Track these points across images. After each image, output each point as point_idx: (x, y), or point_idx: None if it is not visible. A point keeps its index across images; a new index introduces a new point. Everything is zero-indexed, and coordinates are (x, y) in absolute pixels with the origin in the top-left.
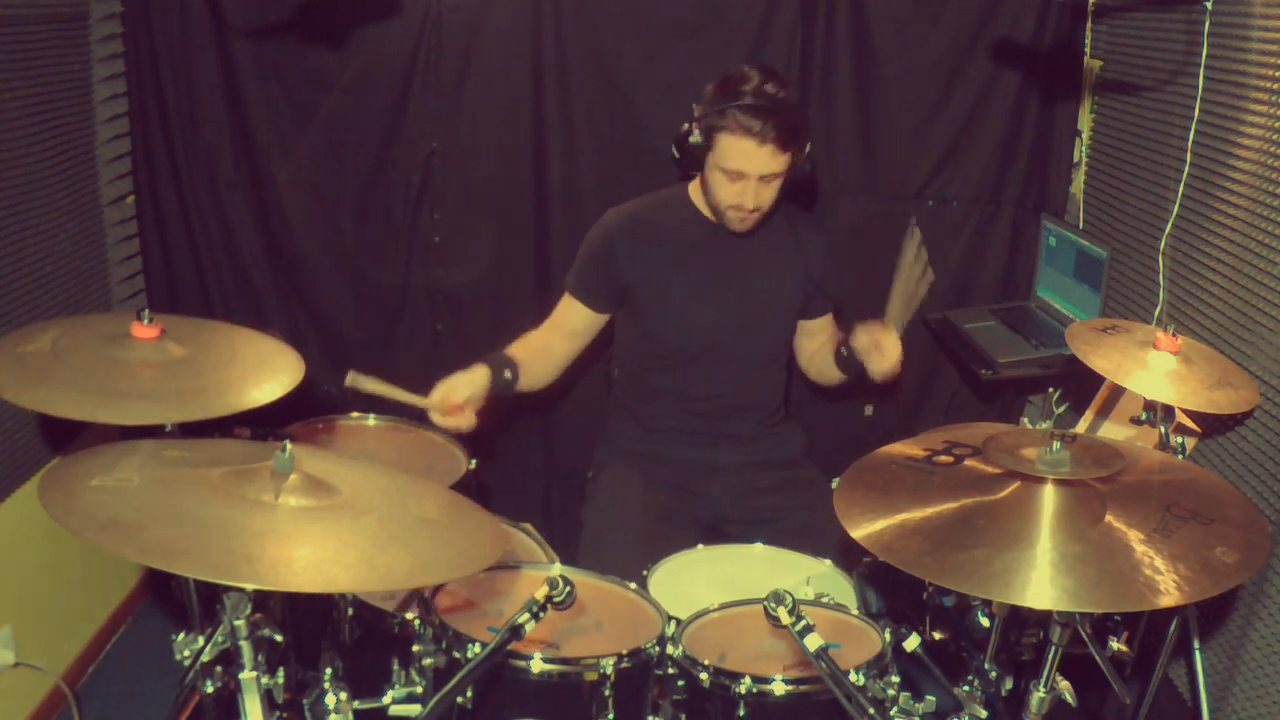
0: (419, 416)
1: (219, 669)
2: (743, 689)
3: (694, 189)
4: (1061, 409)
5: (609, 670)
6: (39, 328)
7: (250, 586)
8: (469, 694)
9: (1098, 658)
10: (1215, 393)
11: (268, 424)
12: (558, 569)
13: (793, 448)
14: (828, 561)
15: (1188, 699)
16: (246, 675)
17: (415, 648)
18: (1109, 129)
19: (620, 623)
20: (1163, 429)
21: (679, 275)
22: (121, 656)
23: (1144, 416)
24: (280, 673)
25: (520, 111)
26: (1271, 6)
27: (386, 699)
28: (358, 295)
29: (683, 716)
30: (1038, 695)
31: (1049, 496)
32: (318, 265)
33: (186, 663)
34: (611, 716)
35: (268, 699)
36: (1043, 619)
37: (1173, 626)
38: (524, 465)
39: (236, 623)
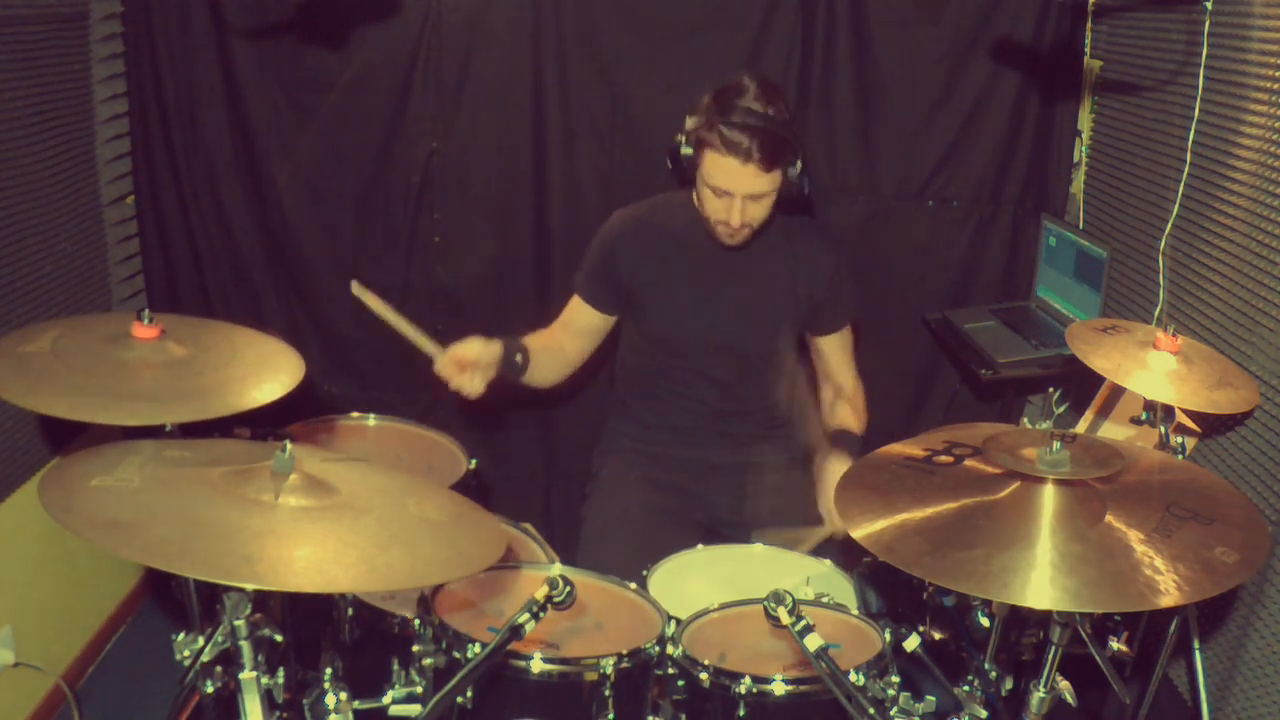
0: (425, 408)
1: (219, 669)
2: (743, 689)
3: (699, 201)
4: (1061, 409)
5: (609, 670)
6: (39, 328)
7: (250, 586)
8: (469, 694)
9: (1098, 658)
10: (1215, 393)
11: (268, 424)
12: (558, 569)
13: (793, 448)
14: (828, 561)
15: (1188, 699)
16: (246, 675)
17: (415, 648)
18: (1109, 129)
19: (620, 623)
20: (1163, 429)
21: (680, 277)
22: (121, 656)
23: (1144, 416)
24: (280, 673)
25: (520, 111)
26: (1271, 6)
27: (386, 699)
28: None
29: (683, 716)
30: (1038, 695)
31: (1049, 496)
32: (318, 265)
33: (186, 663)
34: (611, 716)
35: (268, 699)
36: (1043, 619)
37: (1173, 626)
38: (524, 465)
39: (236, 623)
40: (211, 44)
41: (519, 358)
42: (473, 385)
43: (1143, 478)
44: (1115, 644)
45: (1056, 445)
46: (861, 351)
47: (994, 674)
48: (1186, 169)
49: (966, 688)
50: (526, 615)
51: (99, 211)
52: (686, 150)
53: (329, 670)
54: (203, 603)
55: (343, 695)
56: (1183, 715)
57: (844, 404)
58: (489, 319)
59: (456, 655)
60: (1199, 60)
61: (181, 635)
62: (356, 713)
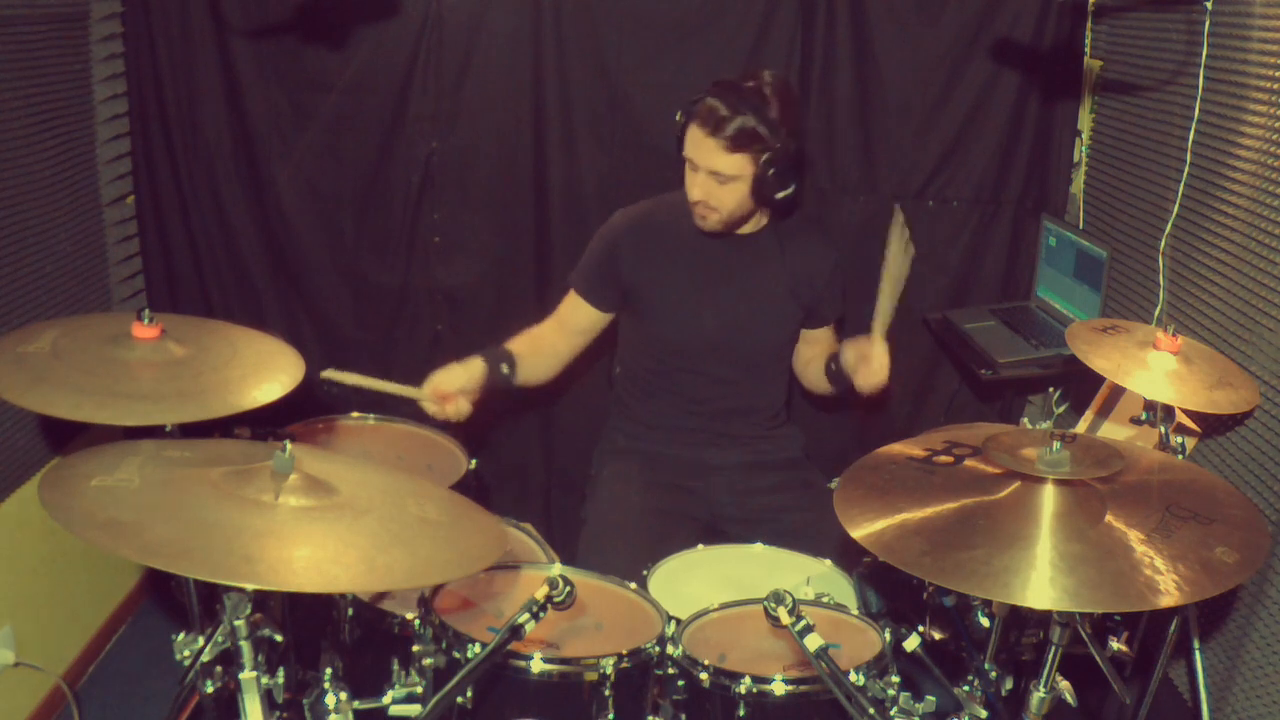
0: (421, 416)
1: (219, 669)
2: (743, 689)
3: None
4: (1061, 409)
5: (609, 670)
6: (39, 328)
7: (250, 586)
8: (469, 694)
9: (1098, 658)
10: (1215, 393)
11: (268, 424)
12: (558, 569)
13: (793, 448)
14: (828, 561)
15: (1188, 699)
16: (246, 675)
17: (415, 648)
18: (1109, 129)
19: (620, 623)
20: (1163, 429)
21: (681, 277)
22: (121, 656)
23: (1144, 416)
24: (280, 673)
25: (520, 111)
26: (1271, 6)
27: (386, 699)
28: (358, 295)
29: (683, 716)
30: (1038, 695)
31: (1049, 496)
32: (318, 265)
33: (186, 663)
34: (611, 716)
35: (268, 699)
36: (1043, 619)
37: (1173, 626)
38: (524, 465)
39: (236, 623)
40: (211, 44)
41: (504, 368)
42: (458, 411)
43: (1143, 478)
44: (1115, 644)
45: (1056, 445)
46: None
47: (994, 674)
48: (1186, 169)
49: (966, 688)
50: (526, 615)
51: (99, 211)
52: (679, 121)
53: (329, 670)
54: (203, 603)
55: (343, 695)
56: (1183, 715)
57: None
58: (489, 319)
59: (456, 655)
60: (1199, 60)
61: (181, 635)
62: (356, 713)
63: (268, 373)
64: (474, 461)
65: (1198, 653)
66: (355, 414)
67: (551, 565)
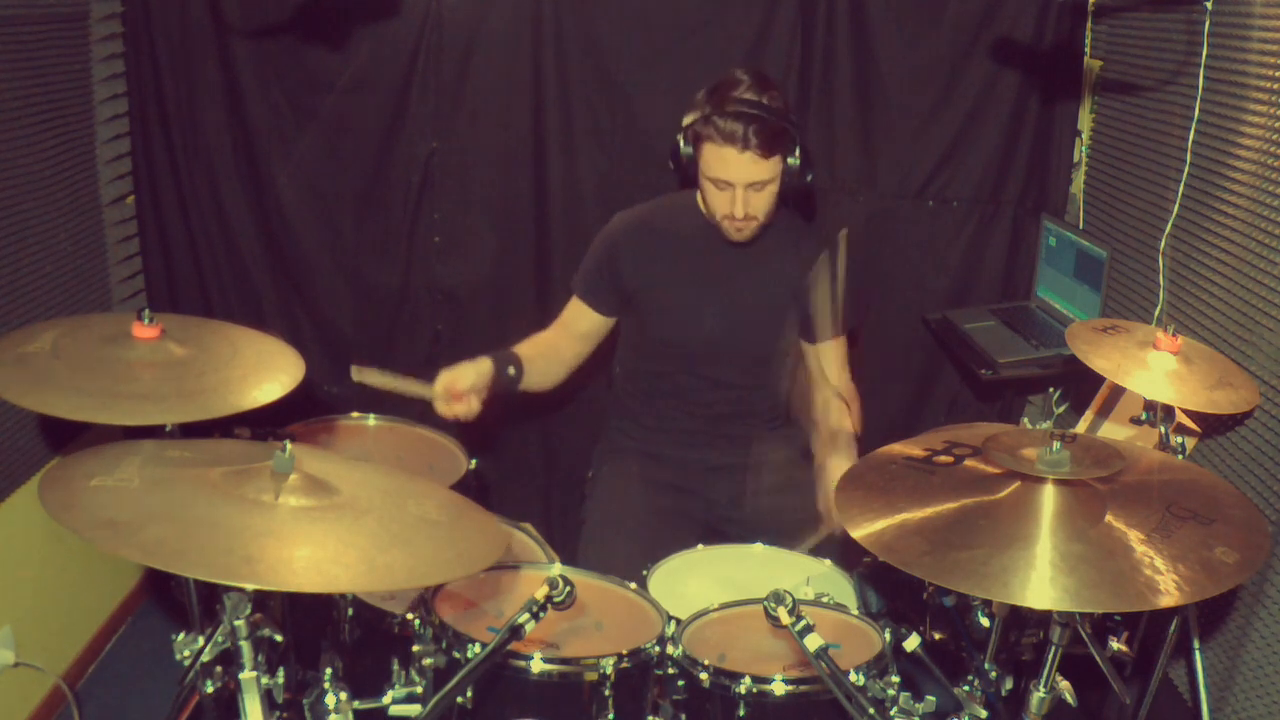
0: (420, 417)
1: (219, 669)
2: (743, 689)
3: (703, 201)
4: (1061, 409)
5: (609, 670)
6: (39, 328)
7: (250, 586)
8: (469, 694)
9: (1098, 658)
10: (1215, 393)
11: (268, 424)
12: (558, 569)
13: (793, 448)
14: (828, 561)
15: (1188, 699)
16: (246, 675)
17: (415, 648)
18: (1109, 129)
19: (620, 623)
20: (1163, 429)
21: (682, 279)
22: (121, 656)
23: (1144, 416)
24: (280, 673)
25: (520, 112)
26: (1271, 6)
27: (386, 699)
28: (358, 295)
29: (683, 716)
30: (1038, 695)
31: (1049, 496)
32: (318, 265)
33: (186, 663)
34: (611, 716)
35: (268, 699)
36: (1043, 619)
37: (1173, 626)
38: (524, 465)
39: (236, 623)
40: (211, 44)
41: (511, 370)
42: (469, 410)
43: (1143, 478)
44: (1115, 644)
45: (1056, 445)
46: (861, 351)
47: (994, 674)
48: (1186, 169)
49: (966, 688)
50: (526, 615)
51: (99, 211)
52: (686, 149)
53: (329, 670)
54: (203, 603)
55: (343, 695)
56: (1183, 715)
57: (837, 406)
58: (489, 319)
59: (456, 655)
60: (1199, 60)
61: (181, 635)
62: (356, 713)
63: (268, 373)
64: (474, 461)
65: (1198, 653)
66: (355, 414)
67: (551, 565)
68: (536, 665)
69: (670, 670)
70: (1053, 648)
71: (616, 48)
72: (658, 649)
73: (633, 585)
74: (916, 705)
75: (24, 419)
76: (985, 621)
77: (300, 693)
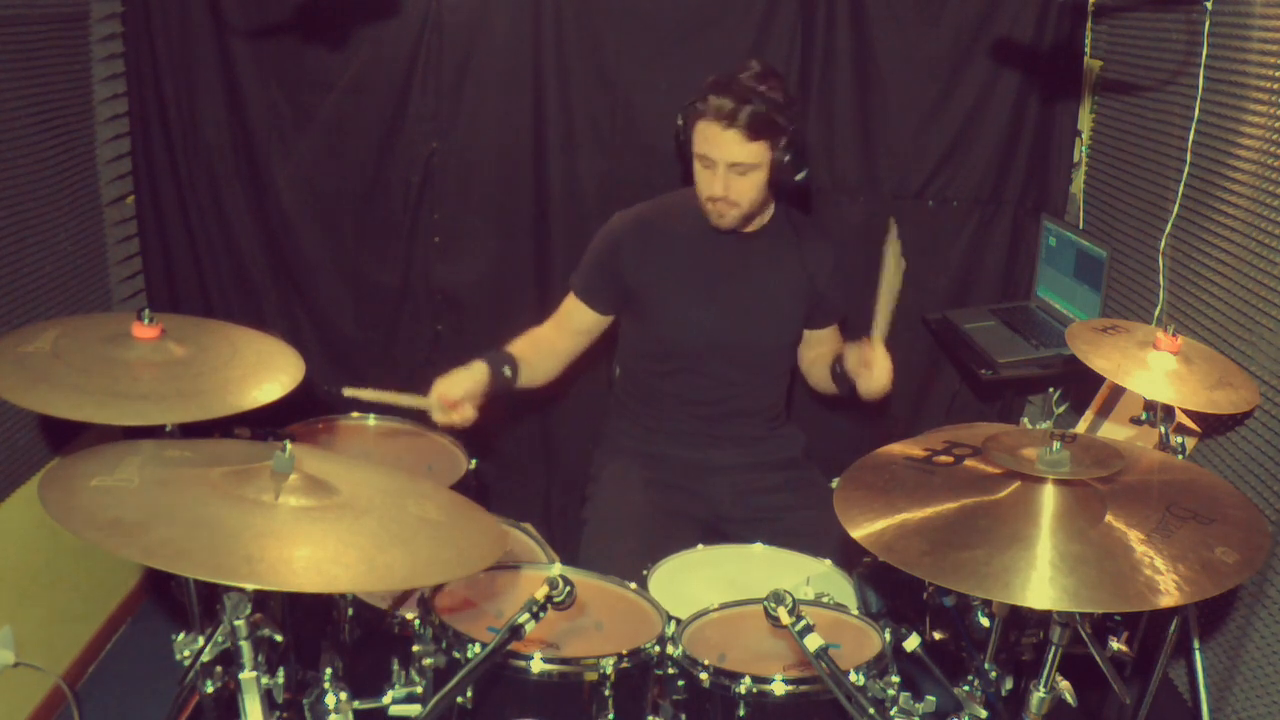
0: (420, 417)
1: (219, 669)
2: (743, 689)
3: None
4: (1061, 409)
5: (609, 670)
6: (39, 328)
7: (250, 586)
8: (469, 694)
9: (1098, 658)
10: (1215, 393)
11: (268, 424)
12: (558, 569)
13: (793, 448)
14: (828, 561)
15: (1188, 699)
16: (246, 675)
17: (415, 648)
18: (1109, 129)
19: (620, 623)
20: (1163, 429)
21: (682, 278)
22: (121, 656)
23: (1144, 416)
24: (280, 673)
25: (520, 112)
26: (1271, 6)
27: (386, 699)
28: (358, 295)
29: (683, 716)
30: (1038, 695)
31: (1049, 496)
32: (318, 265)
33: (186, 663)
34: (611, 716)
35: (268, 699)
36: (1043, 619)
37: (1173, 626)
38: (524, 465)
39: (236, 623)
40: (211, 44)
41: (507, 371)
42: (464, 418)
43: (1143, 478)
44: (1115, 644)
45: (1056, 445)
46: None
47: (994, 674)
48: (1186, 169)
49: (966, 688)
50: (526, 615)
51: (99, 211)
52: (684, 130)
53: (329, 670)
54: (203, 603)
55: (343, 695)
56: (1183, 715)
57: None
58: (489, 319)
59: (456, 655)
60: (1199, 60)
61: (181, 635)
62: (356, 713)
63: (268, 373)
64: (474, 461)
65: (1198, 653)
66: (355, 414)
67: (551, 565)
68: (536, 665)
69: (670, 670)
70: (1053, 648)
71: (616, 48)
72: (658, 649)
73: (633, 585)
74: (916, 705)
75: (24, 419)
76: (985, 621)
77: (300, 693)
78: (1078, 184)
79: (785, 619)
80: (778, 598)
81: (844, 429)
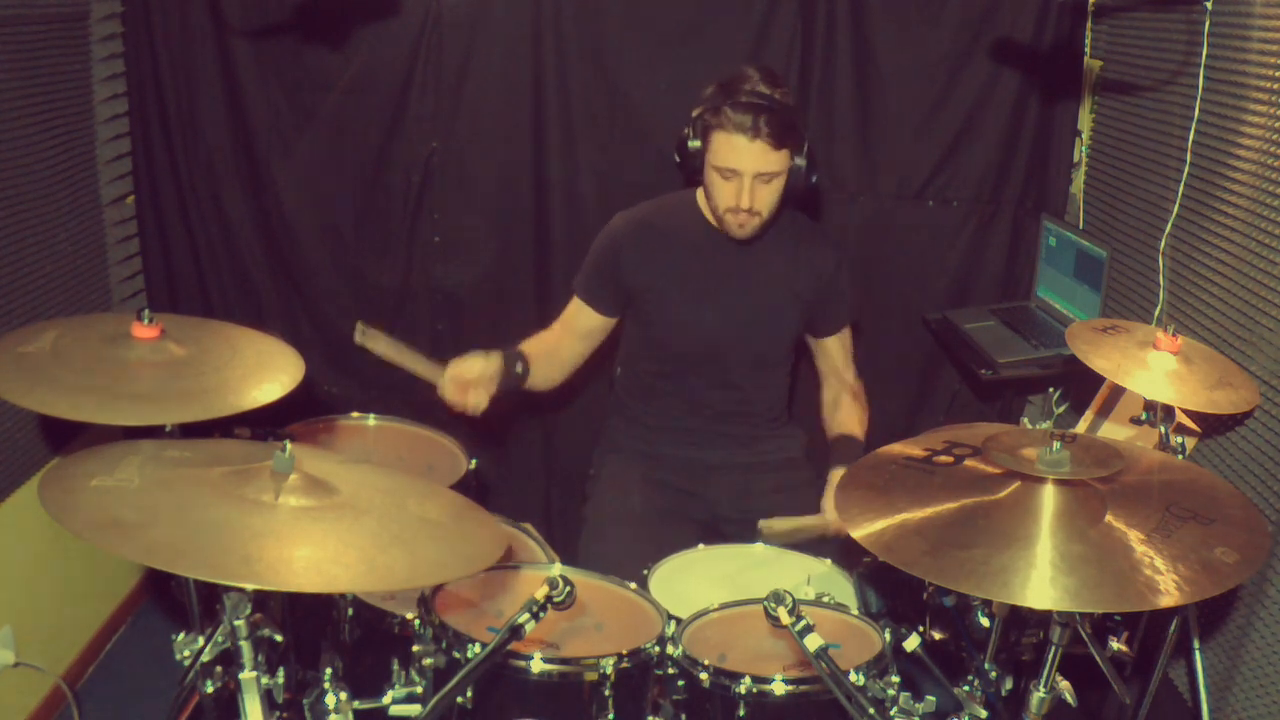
0: (420, 415)
1: (219, 669)
2: (743, 689)
3: (701, 193)
4: (1061, 409)
5: (609, 670)
6: (39, 328)
7: (250, 586)
8: (469, 694)
9: (1098, 658)
10: (1215, 393)
11: (268, 424)
12: (558, 569)
13: (793, 449)
14: (828, 561)
15: (1188, 699)
16: (246, 675)
17: (415, 648)
18: (1109, 129)
19: (620, 623)
20: (1163, 429)
21: (682, 279)
22: (121, 656)
23: (1144, 416)
24: (280, 673)
25: (520, 112)
26: (1271, 6)
27: (386, 699)
28: (358, 295)
29: (683, 716)
30: (1038, 695)
31: (1049, 496)
32: (318, 265)
33: (186, 663)
34: (611, 716)
35: (268, 699)
36: (1043, 619)
37: (1173, 626)
38: (524, 465)
39: (236, 623)
40: (211, 44)
41: (519, 367)
42: (477, 402)
43: (1143, 478)
44: (1115, 644)
45: (1056, 445)
46: (861, 351)
47: (994, 674)
48: (1186, 169)
49: (966, 688)
50: (526, 615)
51: (99, 211)
52: (694, 143)
53: (329, 670)
54: (203, 603)
55: (343, 695)
56: (1183, 715)
57: (846, 402)
58: (489, 319)
59: (456, 655)
60: (1199, 60)
61: (181, 635)
62: (356, 713)
63: (268, 373)
64: (474, 461)
65: (1198, 653)
66: (355, 414)
67: (551, 565)
68: (536, 665)
69: (670, 670)
70: (1053, 648)
71: (616, 48)
72: (658, 649)
73: (633, 585)
74: (916, 705)
75: (24, 419)
76: (985, 621)
77: (300, 693)
78: (1078, 184)
79: (785, 619)
80: (778, 598)
81: None
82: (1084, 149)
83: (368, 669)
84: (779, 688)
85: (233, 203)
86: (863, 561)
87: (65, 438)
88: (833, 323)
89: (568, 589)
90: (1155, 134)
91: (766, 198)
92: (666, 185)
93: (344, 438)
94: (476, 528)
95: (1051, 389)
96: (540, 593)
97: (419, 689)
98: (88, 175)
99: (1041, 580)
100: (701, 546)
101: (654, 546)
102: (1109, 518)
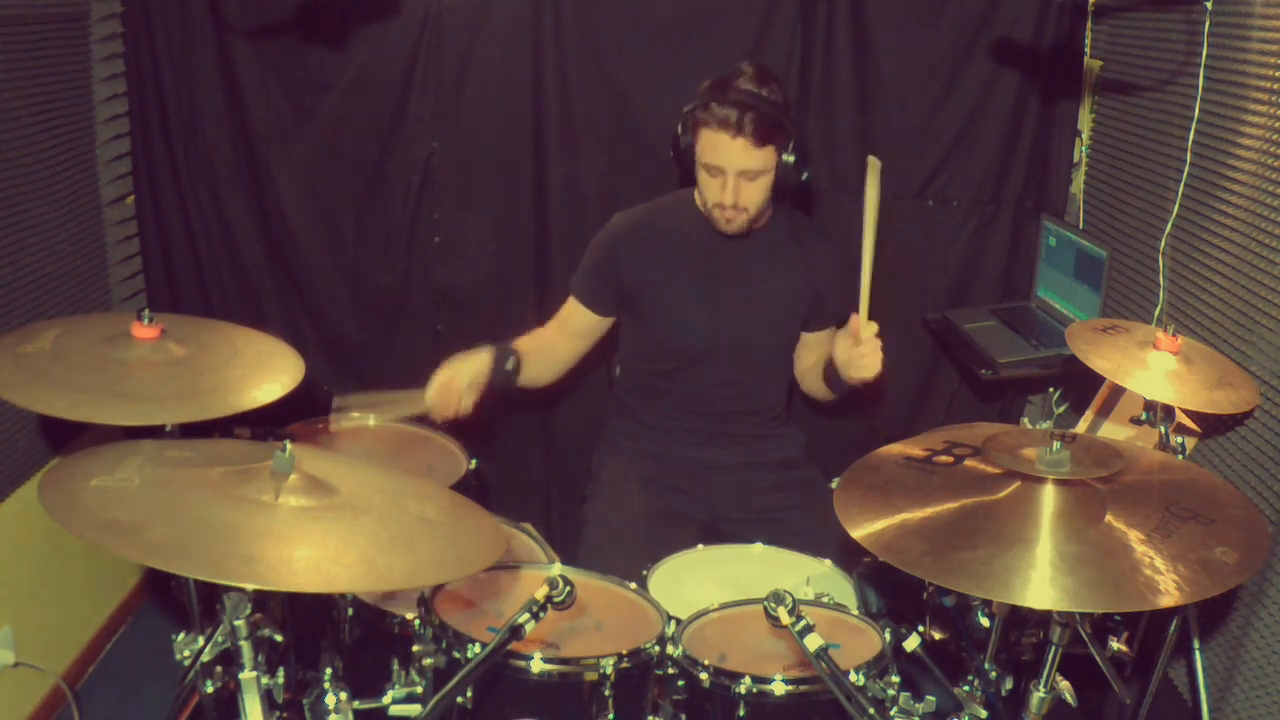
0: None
1: (219, 669)
2: (743, 689)
3: (698, 192)
4: (1061, 409)
5: (609, 670)
6: (39, 328)
7: (250, 586)
8: (469, 694)
9: (1098, 658)
10: (1215, 393)
11: (268, 424)
12: (558, 569)
13: (793, 448)
14: (828, 561)
15: (1188, 699)
16: (246, 675)
17: (415, 648)
18: (1109, 129)
19: (620, 623)
20: (1163, 429)
21: (681, 279)
22: (121, 656)
23: (1144, 416)
24: (280, 673)
25: (520, 112)
26: (1271, 6)
27: (386, 699)
28: (358, 295)
29: (683, 716)
30: (1038, 695)
31: (1049, 496)
32: (318, 265)
33: (186, 663)
34: (611, 716)
35: (268, 699)
36: (1043, 619)
37: (1173, 626)
38: (524, 465)
39: (236, 623)
40: (211, 44)
41: (510, 364)
42: (464, 405)
43: (1143, 478)
44: (1115, 644)
45: (1056, 445)
46: None
47: (994, 674)
48: (1186, 169)
49: (966, 688)
50: (526, 615)
51: (99, 211)
52: (685, 138)
53: (329, 670)
54: (203, 603)
55: (343, 695)
56: (1183, 715)
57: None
58: (489, 319)
59: (456, 655)
60: (1199, 60)
61: (181, 635)
62: (356, 713)
63: (268, 373)
64: (474, 461)
65: (1198, 653)
66: (355, 414)
67: (551, 565)
68: (536, 665)
69: (670, 670)
70: (1053, 648)
71: (616, 48)
72: (658, 649)
73: (633, 585)
74: (916, 705)
75: (24, 419)
76: (985, 621)
77: (300, 693)
78: (1078, 184)
79: (785, 619)
80: (778, 598)
81: (844, 429)
82: (1084, 149)
83: (368, 669)
84: (779, 688)
85: (233, 203)
86: (863, 561)
87: (65, 438)
88: (824, 319)
89: (568, 589)
90: (1155, 134)
91: (751, 194)
92: (666, 185)
93: (344, 438)
94: (476, 528)
95: (1051, 389)
96: (540, 593)
97: (419, 689)
98: (88, 175)
99: (1041, 580)
100: (701, 547)
101: (654, 546)
102: (1109, 518)
